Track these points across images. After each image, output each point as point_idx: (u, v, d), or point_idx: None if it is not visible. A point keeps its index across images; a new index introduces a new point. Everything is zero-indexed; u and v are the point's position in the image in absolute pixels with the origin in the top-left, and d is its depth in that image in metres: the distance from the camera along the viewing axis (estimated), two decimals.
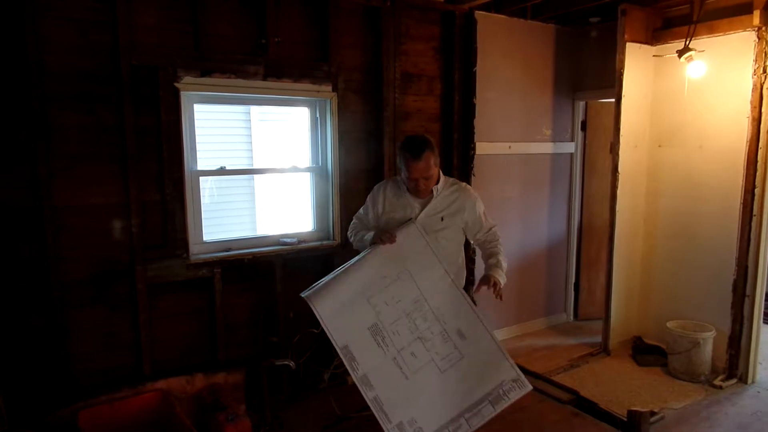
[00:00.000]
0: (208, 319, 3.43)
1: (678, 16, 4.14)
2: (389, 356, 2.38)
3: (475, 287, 2.61)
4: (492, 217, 2.86)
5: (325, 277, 2.59)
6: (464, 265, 2.83)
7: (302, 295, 2.52)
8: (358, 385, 2.36)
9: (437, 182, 2.67)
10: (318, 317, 2.42)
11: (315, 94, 3.63)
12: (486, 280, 2.55)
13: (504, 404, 2.37)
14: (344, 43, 3.73)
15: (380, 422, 2.32)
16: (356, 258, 2.56)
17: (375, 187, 2.89)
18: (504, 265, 2.65)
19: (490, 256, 2.69)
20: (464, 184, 2.78)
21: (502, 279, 2.57)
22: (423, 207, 2.65)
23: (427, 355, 2.40)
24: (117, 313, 3.13)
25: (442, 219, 2.64)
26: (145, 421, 2.99)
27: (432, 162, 2.58)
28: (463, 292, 2.54)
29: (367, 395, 2.34)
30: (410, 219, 2.59)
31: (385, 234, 2.55)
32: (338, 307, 2.43)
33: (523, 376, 2.42)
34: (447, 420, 2.35)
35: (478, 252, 3.00)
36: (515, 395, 2.38)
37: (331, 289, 2.46)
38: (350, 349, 2.38)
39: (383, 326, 2.41)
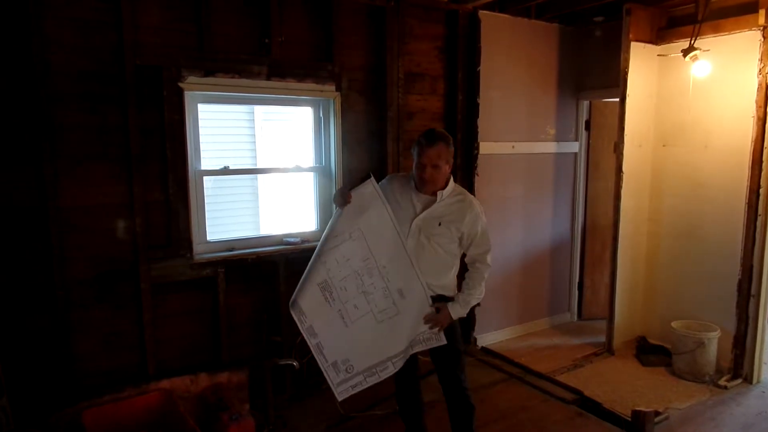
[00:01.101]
0: (212, 318, 3.43)
1: (683, 16, 4.13)
2: (335, 309, 2.59)
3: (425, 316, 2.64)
4: (496, 217, 2.85)
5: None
6: (455, 282, 2.76)
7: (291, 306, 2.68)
8: (305, 335, 2.60)
9: (445, 187, 2.64)
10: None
11: (318, 94, 3.63)
12: (431, 315, 2.61)
13: (419, 348, 2.66)
14: (348, 43, 3.73)
15: (318, 363, 2.60)
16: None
17: (389, 175, 2.93)
18: (473, 302, 2.69)
19: (464, 289, 2.69)
20: (472, 197, 2.73)
21: (455, 312, 2.64)
22: (424, 208, 2.63)
23: (367, 307, 2.59)
24: (121, 313, 3.14)
25: (439, 224, 2.62)
26: (148, 421, 3.00)
27: (444, 153, 2.58)
28: (409, 254, 2.58)
29: (311, 342, 2.59)
30: (370, 175, 2.63)
31: (339, 196, 2.60)
32: (305, 274, 2.63)
33: (440, 333, 2.64)
34: (376, 362, 2.62)
35: None
36: (430, 345, 2.65)
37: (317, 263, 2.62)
38: (300, 306, 2.59)
39: (332, 283, 2.57)
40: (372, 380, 2.63)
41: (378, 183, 2.69)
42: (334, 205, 2.67)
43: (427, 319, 2.61)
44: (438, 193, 2.63)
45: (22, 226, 2.82)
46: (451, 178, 2.69)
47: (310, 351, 2.61)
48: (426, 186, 2.63)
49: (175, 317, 3.32)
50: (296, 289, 2.64)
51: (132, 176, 3.06)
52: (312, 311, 2.58)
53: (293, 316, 2.61)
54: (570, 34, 4.83)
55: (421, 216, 2.62)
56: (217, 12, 3.24)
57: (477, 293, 2.68)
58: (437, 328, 2.63)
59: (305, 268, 3.67)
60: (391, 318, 2.60)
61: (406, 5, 3.92)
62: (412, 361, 2.77)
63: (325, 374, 2.62)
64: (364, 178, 2.64)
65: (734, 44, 3.82)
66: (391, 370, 2.63)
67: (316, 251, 2.63)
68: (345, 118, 3.76)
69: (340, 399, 2.66)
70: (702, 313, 4.16)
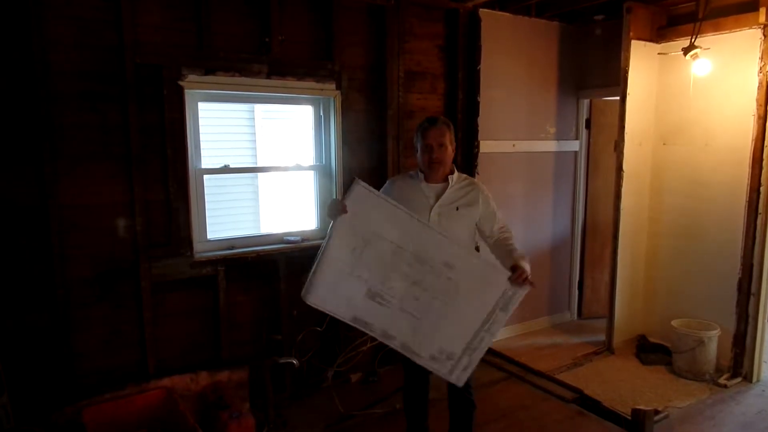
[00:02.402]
0: (212, 317, 3.44)
1: (683, 14, 4.12)
2: (395, 308, 2.50)
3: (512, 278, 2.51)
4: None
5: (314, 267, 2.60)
6: None
7: (302, 297, 2.55)
8: (384, 341, 2.53)
9: (452, 173, 2.64)
10: (317, 307, 2.52)
11: (319, 93, 3.63)
12: (514, 270, 2.49)
13: (513, 306, 2.51)
14: (348, 42, 3.73)
15: (416, 361, 2.53)
16: (327, 239, 2.53)
17: (388, 180, 2.86)
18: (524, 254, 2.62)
19: (510, 251, 2.62)
20: (477, 181, 2.75)
21: (527, 266, 2.54)
22: (438, 196, 2.61)
23: (427, 294, 2.50)
24: (121, 312, 3.14)
25: (457, 209, 2.60)
26: (149, 419, 3.01)
27: (447, 133, 2.58)
28: (431, 225, 2.52)
29: (394, 345, 2.52)
30: (355, 178, 2.52)
31: (333, 208, 2.50)
32: (331, 293, 2.51)
33: (518, 279, 2.49)
34: (470, 338, 2.51)
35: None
36: (519, 296, 2.51)
37: (318, 283, 2.51)
38: (359, 317, 2.50)
39: (377, 288, 2.49)
40: (478, 354, 2.54)
41: (380, 188, 2.67)
42: (331, 220, 2.53)
43: (513, 279, 2.47)
44: (448, 177, 2.63)
45: (22, 225, 2.82)
46: (455, 167, 2.69)
47: (311, 350, 2.59)
48: (435, 170, 2.61)
49: (176, 316, 3.32)
50: (332, 309, 2.52)
51: (132, 175, 3.06)
52: (375, 318, 2.50)
53: (359, 328, 2.52)
54: (570, 32, 4.82)
55: (438, 203, 2.59)
56: (217, 11, 3.24)
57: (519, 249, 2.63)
58: (524, 278, 2.48)
59: (305, 267, 3.70)
60: (456, 292, 2.50)
61: (406, 4, 3.92)
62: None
63: (429, 369, 2.56)
64: (349, 184, 2.53)
65: (735, 42, 3.82)
66: (488, 339, 2.53)
67: (338, 268, 2.49)
68: (345, 117, 3.76)
69: (460, 385, 2.57)
70: (702, 311, 4.16)
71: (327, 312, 2.53)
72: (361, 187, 2.48)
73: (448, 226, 2.57)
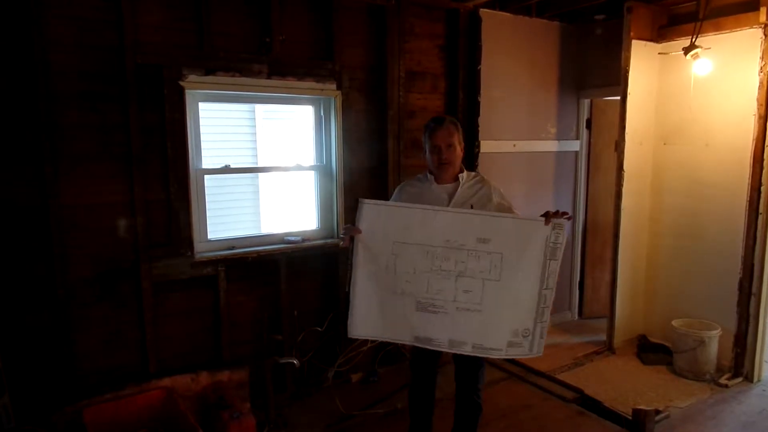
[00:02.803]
0: (213, 317, 3.44)
1: (684, 14, 4.12)
2: (452, 310, 2.41)
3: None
4: None
5: (351, 302, 2.52)
6: None
7: (350, 335, 2.50)
8: (454, 351, 2.46)
9: (461, 172, 2.63)
10: (370, 338, 2.48)
11: (319, 93, 3.63)
12: (546, 213, 2.43)
13: (561, 251, 2.41)
14: (348, 42, 3.73)
15: (497, 357, 2.50)
16: (352, 269, 2.48)
17: (398, 186, 2.82)
18: None
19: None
20: (485, 177, 2.73)
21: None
22: (450, 197, 2.58)
23: (477, 282, 2.40)
24: (122, 311, 3.14)
25: (471, 206, 2.57)
26: (149, 419, 3.01)
27: (455, 133, 2.57)
28: (446, 208, 2.47)
29: (466, 350, 2.44)
30: (359, 200, 2.48)
31: (347, 234, 2.45)
32: (381, 320, 2.44)
33: (551, 216, 2.41)
34: (536, 303, 2.41)
35: None
36: (562, 237, 2.42)
37: (363, 314, 2.45)
38: (420, 336, 2.44)
39: (423, 298, 2.41)
40: (547, 314, 2.43)
41: (390, 198, 2.67)
42: (350, 245, 2.47)
43: (548, 219, 2.39)
44: (459, 176, 2.61)
45: (23, 225, 2.83)
46: (463, 165, 2.67)
47: (312, 350, 2.56)
48: (444, 170, 2.59)
49: (176, 316, 3.32)
50: (388, 337, 2.48)
51: (133, 175, 3.06)
52: (436, 330, 2.42)
53: (425, 347, 2.46)
54: (571, 32, 4.82)
55: (452, 204, 2.57)
56: (217, 11, 3.24)
57: None
58: (557, 212, 2.41)
59: (306, 267, 3.70)
60: (503, 265, 2.39)
61: (406, 4, 3.92)
62: (434, 357, 2.69)
63: (510, 356, 2.50)
64: (354, 206, 2.50)
65: (735, 42, 3.81)
66: (551, 295, 2.42)
67: (377, 293, 2.44)
68: (346, 117, 3.76)
69: (541, 354, 2.46)
70: (703, 311, 4.16)
71: (384, 340, 2.47)
72: (367, 205, 2.44)
73: None
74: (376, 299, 2.44)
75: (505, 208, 2.63)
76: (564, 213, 2.41)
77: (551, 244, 2.40)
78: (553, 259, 2.41)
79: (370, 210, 2.44)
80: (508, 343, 2.42)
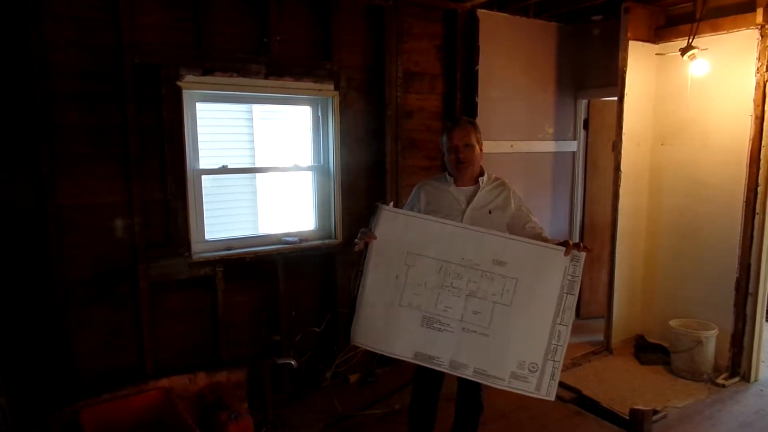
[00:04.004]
0: (211, 317, 3.43)
1: (681, 14, 4.13)
2: (458, 330, 2.31)
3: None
4: None
5: (356, 308, 2.44)
6: None
7: (352, 342, 2.43)
8: (455, 373, 2.34)
9: (482, 175, 2.57)
10: (378, 353, 2.40)
11: (317, 93, 3.63)
12: (564, 244, 2.31)
13: (578, 286, 2.28)
14: (346, 42, 3.73)
15: (497, 386, 2.30)
16: (362, 275, 2.40)
17: (418, 184, 2.72)
18: None
19: (544, 237, 2.48)
20: (506, 181, 2.64)
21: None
22: (469, 200, 2.52)
23: (487, 303, 2.30)
24: (120, 312, 3.13)
25: (489, 212, 2.51)
26: (147, 420, 3.00)
27: (473, 133, 2.51)
28: (466, 225, 2.38)
29: (467, 374, 2.32)
30: (377, 204, 2.40)
31: (362, 239, 2.37)
32: (383, 331, 2.37)
33: (571, 247, 2.29)
34: (547, 337, 2.28)
35: None
36: (579, 269, 2.29)
37: (366, 323, 2.39)
38: (422, 353, 2.34)
39: (430, 313, 2.33)
40: (560, 353, 2.27)
41: (409, 198, 2.61)
42: (363, 249, 2.39)
43: (568, 250, 2.27)
44: (479, 179, 2.55)
45: (20, 225, 2.82)
46: (482, 167, 2.61)
47: (309, 350, 2.54)
48: (463, 171, 2.52)
49: (174, 316, 3.32)
50: (389, 350, 2.36)
51: (130, 175, 3.05)
52: (439, 348, 2.32)
53: (423, 365, 2.35)
54: (568, 32, 4.83)
55: (470, 207, 2.50)
56: (215, 11, 3.24)
57: None
58: (577, 244, 2.29)
59: (304, 267, 3.70)
60: (516, 290, 2.28)
61: (404, 4, 3.92)
62: (438, 380, 2.62)
63: (513, 390, 2.30)
64: (373, 210, 2.41)
65: (732, 43, 3.82)
66: (566, 332, 2.27)
67: (383, 302, 2.36)
68: (343, 117, 3.75)
69: (553, 399, 2.31)
70: (700, 311, 4.17)
71: (383, 353, 2.37)
72: (385, 211, 2.36)
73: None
74: (381, 308, 2.36)
75: (523, 216, 2.55)
76: (584, 246, 2.30)
77: (569, 277, 2.28)
78: (570, 293, 2.28)
79: (388, 216, 2.37)
80: (512, 374, 2.29)
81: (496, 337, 2.29)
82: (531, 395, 2.28)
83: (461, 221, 2.47)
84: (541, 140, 4.80)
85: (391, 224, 2.37)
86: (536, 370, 2.28)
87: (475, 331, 2.30)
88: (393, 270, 2.36)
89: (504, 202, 2.53)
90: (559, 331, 2.27)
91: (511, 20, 4.49)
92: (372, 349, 2.41)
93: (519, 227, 2.53)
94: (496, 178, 2.64)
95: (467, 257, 2.31)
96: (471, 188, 2.56)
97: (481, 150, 2.58)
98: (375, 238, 2.35)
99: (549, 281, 2.29)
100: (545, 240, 2.43)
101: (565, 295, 2.28)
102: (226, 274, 3.42)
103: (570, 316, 2.28)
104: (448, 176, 2.59)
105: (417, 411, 2.75)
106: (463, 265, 2.31)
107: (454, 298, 2.31)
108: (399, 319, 2.35)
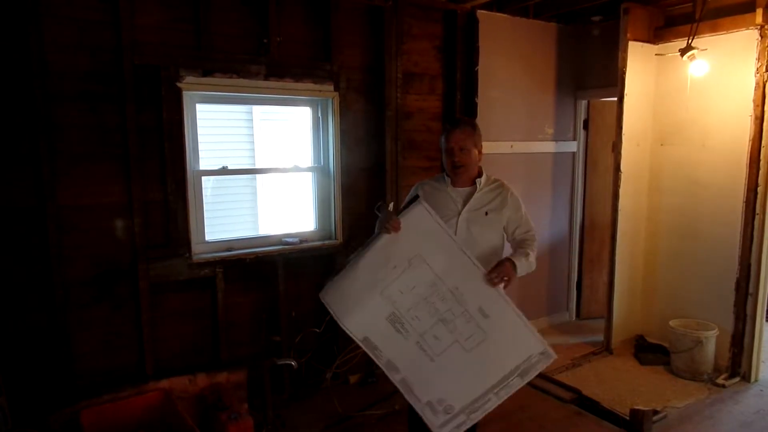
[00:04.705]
0: (211, 318, 3.43)
1: (680, 15, 4.14)
2: (411, 341, 2.36)
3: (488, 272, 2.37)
4: None
5: (343, 270, 2.48)
6: None
7: (320, 296, 2.45)
8: (385, 371, 2.38)
9: (479, 176, 2.57)
10: (333, 316, 2.40)
11: (317, 94, 3.63)
12: (498, 265, 2.35)
13: (532, 375, 2.35)
14: (346, 43, 3.73)
15: (410, 402, 2.36)
16: (365, 247, 2.43)
17: (416, 184, 2.73)
18: (531, 258, 2.47)
19: (520, 247, 2.53)
20: (507, 183, 2.64)
21: (520, 265, 2.41)
22: (465, 201, 2.53)
23: (451, 337, 2.34)
24: (119, 313, 3.13)
25: (486, 214, 2.51)
26: (147, 421, 3.00)
27: (470, 135, 2.51)
28: (481, 267, 2.36)
29: (394, 378, 2.35)
30: (417, 199, 2.40)
31: (388, 222, 2.36)
32: (351, 304, 2.40)
33: (549, 348, 2.35)
34: (476, 396, 2.34)
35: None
36: (542, 366, 2.36)
37: (343, 287, 2.41)
38: (371, 340, 2.37)
39: (401, 314, 2.36)
40: (477, 416, 2.36)
41: (410, 193, 2.60)
42: (379, 231, 2.40)
43: (489, 277, 2.30)
44: (476, 181, 2.55)
45: (20, 225, 2.82)
46: (482, 168, 2.62)
47: (309, 351, 2.54)
48: (459, 174, 2.53)
49: (174, 317, 3.32)
50: (348, 324, 2.38)
51: (130, 176, 3.06)
52: (386, 345, 2.35)
53: (366, 352, 2.36)
54: (568, 33, 4.83)
55: (466, 209, 2.51)
56: (215, 11, 3.24)
57: (532, 253, 2.48)
58: (494, 277, 2.31)
59: (304, 268, 3.70)
60: (480, 344, 2.33)
61: (404, 5, 3.92)
62: None
63: (421, 414, 2.33)
64: (410, 202, 2.40)
65: (732, 43, 3.83)
66: (494, 402, 2.34)
67: (369, 280, 2.38)
68: (343, 118, 3.76)
69: None
70: (700, 311, 4.17)
71: (336, 320, 2.39)
72: (422, 208, 2.35)
73: (477, 233, 2.48)
74: (362, 285, 2.38)
75: (517, 221, 2.55)
76: (497, 284, 2.33)
77: (529, 364, 2.33)
78: (521, 376, 2.33)
79: (421, 214, 2.36)
80: (428, 402, 2.34)
81: (438, 366, 2.35)
82: (429, 426, 2.34)
83: (457, 222, 2.49)
84: (541, 141, 4.80)
85: (419, 223, 2.37)
86: (449, 414, 2.34)
87: (425, 351, 2.35)
88: (395, 260, 2.37)
89: (500, 205, 2.53)
90: (489, 398, 2.34)
91: (511, 21, 4.49)
92: (331, 313, 2.40)
93: (510, 231, 2.57)
94: (495, 180, 2.63)
95: (462, 290, 2.35)
96: (468, 189, 2.56)
97: (479, 152, 2.58)
98: (399, 229, 2.34)
99: (511, 356, 2.35)
100: (522, 246, 2.50)
101: (515, 375, 2.33)
102: (226, 275, 3.42)
103: (507, 392, 2.34)
104: (446, 177, 2.60)
105: (415, 414, 2.74)
106: (452, 293, 2.35)
107: (427, 315, 2.35)
108: (371, 303, 2.37)
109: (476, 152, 2.55)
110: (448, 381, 2.36)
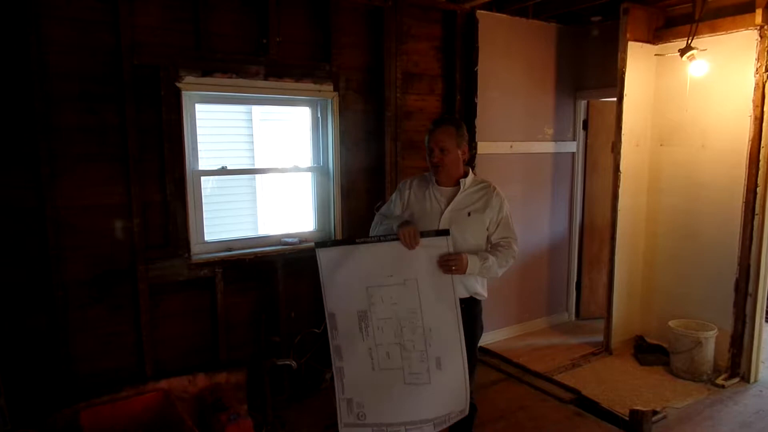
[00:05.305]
0: (210, 319, 3.43)
1: (680, 15, 4.13)
2: (365, 345, 2.45)
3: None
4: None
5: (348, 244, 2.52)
6: (485, 281, 2.65)
7: (316, 246, 2.50)
8: (331, 353, 2.49)
9: (465, 176, 2.57)
10: (320, 272, 2.47)
11: (316, 94, 3.63)
12: (451, 254, 2.37)
13: (443, 427, 2.49)
14: (346, 43, 3.73)
15: (335, 389, 2.49)
16: (377, 238, 2.46)
17: (401, 182, 2.75)
18: (490, 262, 2.46)
19: (490, 250, 2.54)
20: (494, 185, 2.64)
21: (472, 265, 2.40)
22: (449, 201, 2.54)
23: (400, 363, 2.44)
24: (119, 313, 3.13)
25: (469, 214, 2.52)
26: (146, 421, 3.00)
27: (452, 136, 2.51)
28: (461, 329, 2.43)
29: (335, 363, 2.49)
30: (447, 230, 2.41)
31: (408, 234, 2.34)
32: (338, 275, 2.45)
33: (468, 406, 2.48)
34: (389, 422, 2.47)
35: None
36: (455, 419, 2.49)
37: (339, 256, 2.45)
38: (335, 319, 2.47)
39: (371, 317, 2.43)
40: None
41: (398, 186, 2.64)
42: (396, 232, 2.40)
43: (443, 259, 2.35)
44: (460, 181, 2.55)
45: (19, 226, 2.81)
46: (469, 169, 2.63)
47: (309, 351, 2.57)
48: (440, 173, 2.54)
49: (173, 317, 3.31)
50: (328, 290, 2.46)
51: (129, 176, 3.05)
52: (344, 333, 2.46)
53: (327, 325, 2.48)
54: (568, 33, 4.83)
55: (449, 209, 2.52)
56: (214, 12, 3.24)
57: (496, 260, 2.48)
58: (450, 270, 2.36)
59: (303, 269, 3.70)
60: (420, 386, 2.42)
61: (403, 5, 3.92)
62: None
63: (336, 405, 2.49)
64: (440, 233, 2.40)
65: (731, 44, 3.83)
66: None
67: (363, 269, 2.42)
68: (343, 118, 3.75)
69: None
70: (699, 312, 4.17)
71: (321, 277, 2.47)
72: (445, 241, 2.37)
73: (460, 233, 2.48)
74: (353, 271, 2.43)
75: (497, 225, 2.55)
76: (449, 268, 2.38)
77: (447, 418, 2.46)
78: (434, 425, 2.45)
79: (439, 243, 2.38)
80: (348, 400, 2.47)
81: (375, 377, 2.45)
82: (337, 417, 2.49)
83: (439, 221, 2.51)
84: (540, 141, 4.80)
85: (434, 248, 2.38)
86: (360, 420, 2.48)
87: (372, 359, 2.45)
88: (393, 270, 2.40)
89: (483, 205, 2.54)
90: (399, 430, 2.45)
91: (511, 21, 4.49)
92: (321, 266, 2.47)
93: (490, 233, 2.58)
94: (482, 181, 2.64)
95: (432, 333, 2.41)
96: (452, 189, 2.57)
97: (463, 153, 2.58)
98: (414, 248, 2.37)
99: (435, 407, 2.44)
100: (494, 249, 2.53)
101: (432, 423, 2.45)
102: (225, 276, 3.42)
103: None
104: (431, 175, 2.61)
105: None
106: (423, 331, 2.41)
107: (392, 333, 2.43)
108: (352, 292, 2.44)
109: (458, 152, 2.55)
110: (376, 395, 2.47)
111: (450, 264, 2.36)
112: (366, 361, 2.46)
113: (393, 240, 2.39)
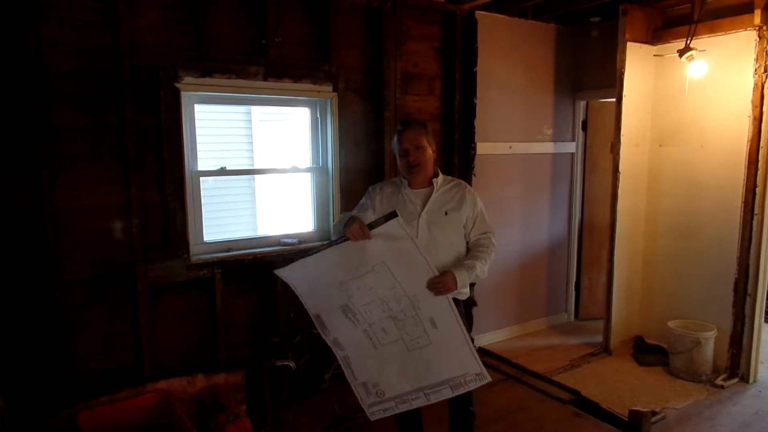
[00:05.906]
0: (209, 319, 3.43)
1: (679, 16, 4.14)
2: (360, 329, 2.48)
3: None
4: (493, 217, 2.78)
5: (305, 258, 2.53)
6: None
7: (274, 271, 2.54)
8: (331, 347, 2.54)
9: (436, 176, 2.58)
10: (292, 287, 2.52)
11: (315, 95, 3.63)
12: (437, 277, 2.38)
13: (462, 390, 2.50)
14: (345, 44, 3.73)
15: (347, 378, 2.56)
16: (328, 243, 2.48)
17: (370, 187, 2.74)
18: (477, 270, 2.48)
19: (472, 252, 2.55)
20: (464, 182, 2.67)
21: (461, 279, 2.42)
22: (424, 203, 2.54)
23: (397, 333, 2.47)
24: (118, 314, 3.13)
25: (446, 213, 2.53)
26: (145, 422, 2.99)
27: (423, 134, 2.53)
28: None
29: (339, 354, 2.54)
30: (393, 212, 2.38)
31: (356, 231, 2.30)
32: (307, 285, 2.50)
33: (485, 372, 2.50)
34: (408, 390, 2.52)
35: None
36: (474, 385, 2.51)
37: (302, 266, 2.47)
38: (321, 318, 2.51)
39: (354, 307, 2.46)
40: (404, 407, 2.55)
41: (367, 191, 2.65)
42: (343, 232, 2.38)
43: (431, 284, 2.36)
44: (433, 181, 2.56)
45: (18, 227, 2.81)
46: (438, 169, 2.64)
47: (308, 352, 2.58)
48: (415, 174, 2.53)
49: (172, 318, 3.31)
50: (309, 303, 2.51)
51: (129, 177, 3.05)
52: (335, 327, 2.50)
53: (318, 327, 2.53)
54: (567, 34, 4.84)
55: (426, 210, 2.52)
56: (214, 12, 3.24)
57: (480, 263, 2.49)
58: (436, 284, 2.37)
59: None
60: (423, 348, 2.46)
61: (403, 6, 3.92)
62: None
63: (354, 392, 2.56)
64: (388, 217, 2.36)
65: (730, 44, 3.83)
66: (422, 401, 2.52)
67: (328, 272, 2.43)
68: (342, 119, 3.75)
69: (372, 419, 2.58)
70: (699, 312, 4.17)
71: (294, 290, 2.52)
72: (396, 223, 2.36)
73: (439, 234, 2.50)
74: (320, 272, 2.45)
75: (474, 222, 2.55)
76: (440, 292, 2.39)
77: (461, 381, 2.49)
78: (452, 388, 2.50)
79: (395, 228, 2.36)
80: (363, 383, 2.55)
81: (380, 354, 2.50)
82: (360, 403, 2.58)
83: (418, 224, 2.51)
84: (539, 141, 4.80)
85: (392, 235, 2.37)
86: (380, 398, 2.55)
87: (371, 338, 2.49)
88: (358, 263, 2.41)
89: (458, 203, 2.55)
90: (418, 396, 2.51)
91: (510, 22, 4.49)
92: (289, 283, 2.52)
93: (468, 231, 2.59)
94: (452, 179, 2.65)
95: (417, 298, 2.42)
96: (426, 190, 2.57)
97: (433, 151, 2.59)
98: (370, 239, 2.35)
99: (449, 368, 2.48)
100: (474, 252, 2.55)
101: (447, 386, 2.50)
102: (224, 276, 3.41)
103: (436, 398, 2.52)
104: (402, 179, 2.61)
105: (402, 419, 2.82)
106: (409, 299, 2.42)
107: (380, 311, 2.45)
108: (328, 292, 2.46)
109: (430, 151, 2.57)
110: (386, 370, 2.51)
111: (439, 288, 2.38)
112: (366, 342, 2.50)
113: (344, 241, 2.38)
